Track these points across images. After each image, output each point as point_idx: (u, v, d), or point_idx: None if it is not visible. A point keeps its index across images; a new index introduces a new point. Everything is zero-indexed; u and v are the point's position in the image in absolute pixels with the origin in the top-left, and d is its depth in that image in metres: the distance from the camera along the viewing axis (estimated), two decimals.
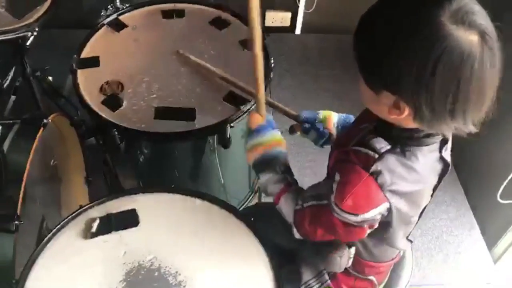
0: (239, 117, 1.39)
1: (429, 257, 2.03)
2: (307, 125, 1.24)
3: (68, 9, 2.66)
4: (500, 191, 1.95)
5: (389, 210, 0.89)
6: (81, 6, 2.72)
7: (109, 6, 2.20)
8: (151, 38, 1.59)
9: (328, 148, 1.14)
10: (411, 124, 0.84)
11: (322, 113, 1.24)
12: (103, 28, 1.61)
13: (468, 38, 0.72)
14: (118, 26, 1.61)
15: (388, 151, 0.87)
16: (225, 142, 1.41)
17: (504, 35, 0.77)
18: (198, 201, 1.16)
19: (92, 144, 1.66)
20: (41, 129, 1.30)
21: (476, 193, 2.20)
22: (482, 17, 0.75)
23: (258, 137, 1.10)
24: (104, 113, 1.37)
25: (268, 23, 2.94)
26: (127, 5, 2.19)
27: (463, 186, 2.26)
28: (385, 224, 0.94)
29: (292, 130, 1.30)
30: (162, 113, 1.37)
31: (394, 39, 0.75)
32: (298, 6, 2.85)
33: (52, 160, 1.72)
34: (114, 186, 1.75)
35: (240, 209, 1.65)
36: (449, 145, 0.96)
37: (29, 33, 1.66)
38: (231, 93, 1.42)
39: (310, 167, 2.28)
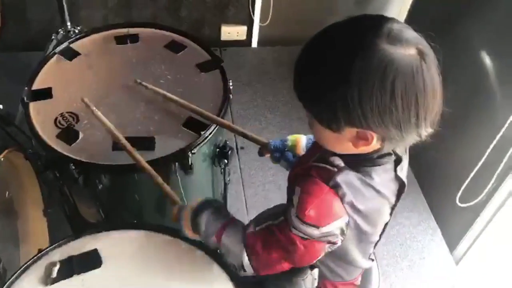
0: (199, 143, 1.37)
1: (394, 265, 2.07)
2: (277, 154, 1.24)
3: (16, 31, 2.58)
4: (459, 195, 2.01)
5: (348, 225, 0.90)
6: (30, 28, 2.64)
7: (59, 30, 2.15)
8: (105, 66, 1.56)
9: None
10: (377, 147, 0.86)
11: (290, 140, 1.23)
12: (54, 57, 1.56)
13: (410, 54, 0.76)
14: (70, 54, 1.57)
15: (346, 167, 0.89)
16: (187, 169, 1.39)
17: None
18: (163, 237, 1.13)
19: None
20: None
21: (436, 198, 2.26)
22: (410, 32, 0.79)
23: (182, 213, 1.08)
24: (60, 147, 1.33)
25: (224, 37, 2.94)
26: (78, 28, 2.16)
27: (424, 192, 2.32)
28: (343, 241, 0.94)
29: (261, 153, 1.30)
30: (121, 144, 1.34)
31: (345, 79, 0.76)
32: (253, 20, 2.87)
33: (7, 193, 1.66)
34: (73, 217, 1.70)
35: None
36: (404, 164, 0.97)
37: None
38: (191, 119, 1.41)
39: (274, 181, 2.28)
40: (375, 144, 0.84)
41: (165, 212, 1.55)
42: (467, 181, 1.96)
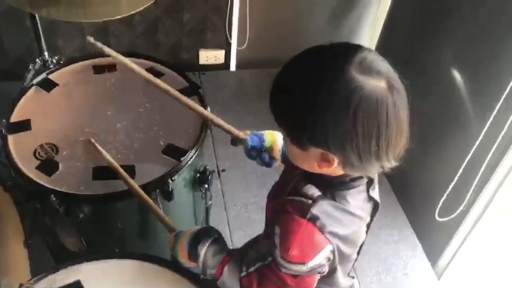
0: (179, 170, 1.39)
1: (378, 282, 2.08)
2: (253, 153, 1.24)
3: None
4: (437, 209, 2.05)
5: (333, 252, 0.91)
6: (7, 58, 2.64)
7: (37, 59, 2.15)
8: (84, 95, 1.57)
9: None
10: (340, 172, 0.88)
11: (268, 141, 1.24)
12: (32, 88, 1.57)
13: (379, 85, 0.78)
14: (48, 85, 1.58)
15: (320, 197, 0.91)
16: (167, 196, 1.40)
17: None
18: (147, 265, 1.13)
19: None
20: None
21: (416, 214, 2.29)
22: (383, 65, 0.82)
23: (178, 238, 1.11)
24: (40, 179, 1.33)
25: (202, 61, 2.96)
26: (56, 58, 2.16)
27: (403, 208, 2.35)
28: (329, 266, 0.96)
29: (234, 142, 1.30)
30: (101, 173, 1.34)
31: (313, 99, 0.78)
32: (231, 44, 2.90)
33: None
34: (55, 247, 1.69)
35: None
36: (375, 184, 1.00)
37: None
38: (170, 146, 1.42)
39: (256, 202, 2.29)
40: (336, 168, 0.85)
41: (148, 239, 1.56)
42: (445, 196, 2.00)
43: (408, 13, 2.44)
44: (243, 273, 1.00)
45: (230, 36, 2.87)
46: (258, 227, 2.23)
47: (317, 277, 0.96)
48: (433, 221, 2.07)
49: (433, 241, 2.18)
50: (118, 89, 1.59)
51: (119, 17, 1.47)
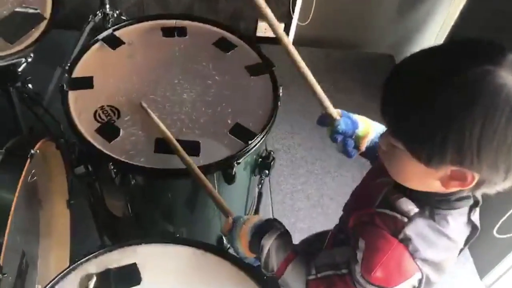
0: (246, 153, 1.28)
1: None
2: (338, 137, 1.05)
3: None
4: (496, 227, 1.92)
5: (420, 281, 0.81)
6: (62, 5, 2.54)
7: (98, 12, 2.05)
8: (150, 58, 1.46)
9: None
10: (452, 189, 0.76)
11: (362, 130, 1.05)
12: (97, 44, 1.47)
13: None
14: (113, 42, 1.47)
15: (417, 214, 0.80)
16: (229, 179, 1.30)
17: None
18: (207, 255, 1.04)
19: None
20: (28, 161, 1.16)
21: None
22: None
23: (239, 223, 1.01)
24: (99, 143, 1.24)
25: (260, 33, 2.84)
26: (117, 12, 2.06)
27: None
28: None
29: (321, 122, 1.09)
30: (164, 146, 1.25)
31: (467, 114, 0.66)
32: (292, 18, 2.76)
33: (30, 177, 1.57)
34: (99, 210, 1.63)
35: None
36: (477, 208, 0.88)
37: (23, 59, 1.48)
38: (238, 126, 1.32)
39: (302, 190, 2.19)
40: (467, 186, 0.74)
41: (196, 214, 1.47)
42: (507, 214, 1.88)
43: (482, 16, 2.26)
44: (311, 277, 0.91)
45: (293, 10, 2.72)
46: (302, 217, 2.16)
47: None
48: (490, 237, 1.95)
49: (486, 255, 2.07)
50: (187, 56, 1.48)
51: None
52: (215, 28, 1.56)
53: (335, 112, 1.07)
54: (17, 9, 1.58)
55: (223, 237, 1.61)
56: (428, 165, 0.73)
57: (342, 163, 2.33)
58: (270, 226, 0.98)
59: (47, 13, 1.60)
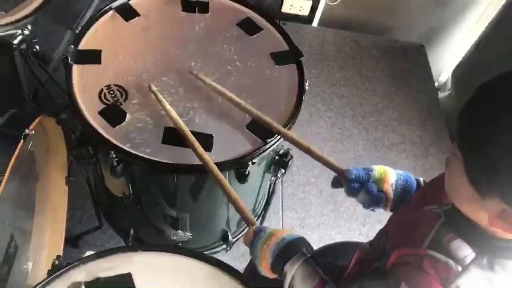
0: (262, 152, 1.15)
1: None
2: (356, 185, 0.98)
3: None
4: None
5: None
6: None
7: None
8: (167, 35, 1.32)
9: None
10: (497, 230, 0.67)
11: (377, 171, 0.98)
12: (109, 13, 1.32)
13: None
14: (127, 13, 1.33)
15: (473, 262, 0.68)
16: (241, 178, 1.18)
17: None
18: (205, 268, 0.93)
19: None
20: (21, 142, 1.04)
21: None
22: None
23: (260, 239, 0.90)
24: (102, 128, 1.11)
25: (285, 9, 2.67)
26: None
27: None
28: None
29: (335, 184, 1.05)
30: (173, 136, 1.12)
31: None
32: None
33: (29, 146, 1.46)
34: (98, 188, 1.52)
35: None
36: None
37: (18, 31, 1.31)
38: (256, 121, 1.18)
39: (316, 183, 2.07)
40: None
41: (204, 210, 1.36)
42: None
43: None
44: None
45: None
46: (313, 212, 2.03)
47: None
48: None
49: None
50: (207, 36, 1.33)
51: None
52: (240, 6, 1.40)
53: (339, 164, 1.04)
54: None
55: (228, 233, 1.51)
56: (476, 188, 0.65)
57: (359, 158, 2.20)
58: (294, 250, 0.87)
59: None
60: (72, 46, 1.22)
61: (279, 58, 1.31)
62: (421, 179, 0.99)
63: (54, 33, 2.06)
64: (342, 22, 2.73)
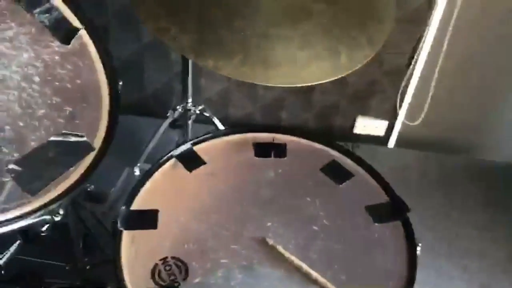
0: None
1: None
2: None
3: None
4: None
5: None
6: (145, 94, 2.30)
7: (178, 107, 1.74)
8: (235, 188, 1.08)
9: None
10: None
11: None
12: (171, 161, 1.12)
13: None
14: (191, 161, 1.12)
15: None
16: None
17: None
18: None
19: None
20: None
21: None
22: None
23: None
24: None
25: (358, 130, 2.44)
26: (200, 108, 1.75)
27: None
28: None
29: None
30: None
31: None
32: (398, 115, 2.35)
33: None
34: None
35: None
36: None
37: (48, 217, 0.98)
38: None
39: None
40: None
41: None
42: None
43: None
44: None
45: (400, 106, 2.32)
46: None
47: None
48: None
49: None
50: (285, 186, 1.09)
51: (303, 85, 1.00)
52: (324, 148, 1.16)
53: None
54: (53, 138, 1.06)
55: None
56: None
57: None
58: None
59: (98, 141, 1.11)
60: (124, 207, 1.00)
61: (377, 213, 1.04)
62: None
63: (112, 168, 1.92)
64: (421, 143, 2.47)
